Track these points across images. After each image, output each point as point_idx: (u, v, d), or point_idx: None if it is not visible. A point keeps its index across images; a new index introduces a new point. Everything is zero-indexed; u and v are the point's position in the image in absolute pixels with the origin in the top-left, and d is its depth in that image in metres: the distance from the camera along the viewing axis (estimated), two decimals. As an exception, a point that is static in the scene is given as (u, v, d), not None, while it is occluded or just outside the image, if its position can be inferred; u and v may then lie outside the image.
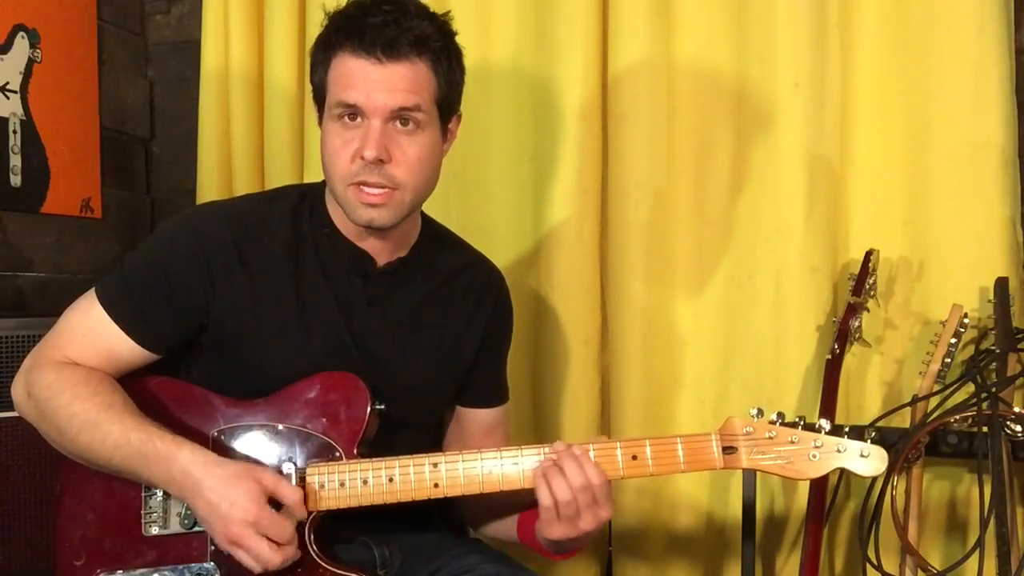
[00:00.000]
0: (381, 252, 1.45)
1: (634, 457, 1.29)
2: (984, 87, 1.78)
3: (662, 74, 1.93)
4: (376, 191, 1.33)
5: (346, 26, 1.33)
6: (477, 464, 1.31)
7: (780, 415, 1.29)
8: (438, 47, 1.35)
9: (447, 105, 1.39)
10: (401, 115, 1.32)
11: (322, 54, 1.37)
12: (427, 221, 1.54)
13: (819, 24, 1.84)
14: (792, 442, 1.27)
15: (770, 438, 1.28)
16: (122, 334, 1.37)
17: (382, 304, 1.45)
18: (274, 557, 1.23)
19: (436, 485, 1.31)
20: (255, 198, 1.62)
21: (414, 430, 1.48)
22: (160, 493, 1.34)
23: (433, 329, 1.48)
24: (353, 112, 1.33)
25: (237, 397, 1.38)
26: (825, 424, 1.28)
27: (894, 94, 1.85)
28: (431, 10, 1.37)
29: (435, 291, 1.49)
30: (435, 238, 1.54)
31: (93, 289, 1.41)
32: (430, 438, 1.55)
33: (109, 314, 1.37)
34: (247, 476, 1.25)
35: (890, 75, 1.85)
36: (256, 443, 1.36)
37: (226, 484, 1.24)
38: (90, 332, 1.38)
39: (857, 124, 1.88)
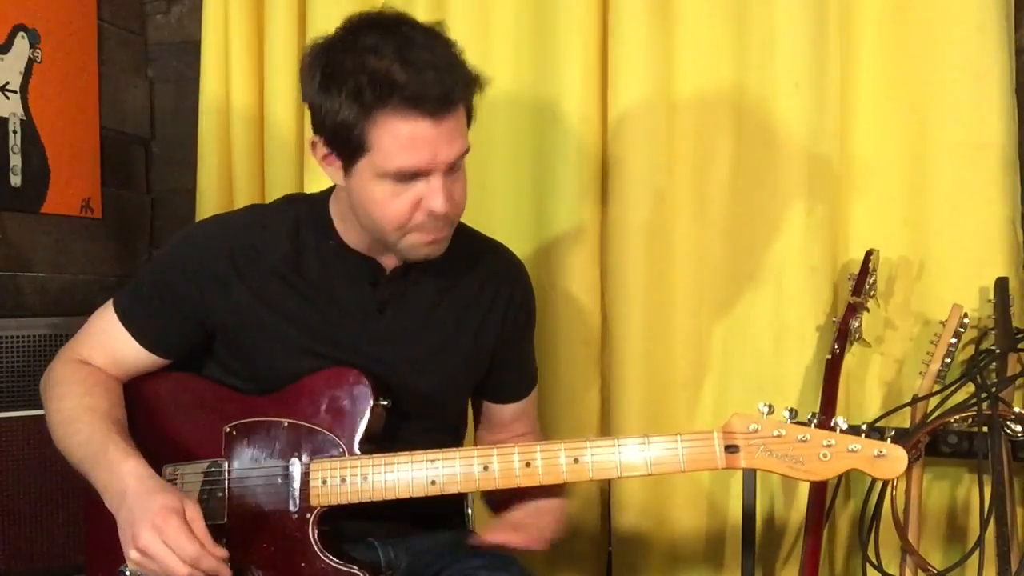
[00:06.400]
0: (389, 257, 1.44)
1: None
2: (984, 87, 1.78)
3: (662, 74, 1.93)
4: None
5: (394, 83, 1.22)
6: (473, 463, 1.30)
7: (792, 411, 1.22)
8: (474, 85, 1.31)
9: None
10: (455, 163, 1.31)
11: (357, 106, 1.24)
12: None
13: (819, 24, 1.84)
14: (802, 441, 1.19)
15: (778, 436, 1.20)
16: (130, 338, 1.45)
17: (394, 308, 1.45)
18: (179, 569, 1.21)
19: (433, 482, 1.30)
20: (257, 209, 1.63)
21: (432, 427, 1.48)
22: (184, 488, 1.38)
23: (448, 329, 1.48)
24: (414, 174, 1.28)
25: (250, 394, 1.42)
26: (842, 422, 1.19)
27: (894, 94, 1.85)
28: (454, 42, 1.31)
29: (449, 286, 1.48)
30: None
31: (110, 302, 1.49)
32: (451, 431, 1.55)
33: (120, 320, 1.46)
34: (168, 492, 1.26)
35: (890, 75, 1.85)
36: (265, 438, 1.37)
37: (147, 495, 1.25)
38: (103, 334, 1.47)
39: (857, 124, 1.88)
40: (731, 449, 1.22)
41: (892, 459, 1.18)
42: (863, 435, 1.20)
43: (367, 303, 1.43)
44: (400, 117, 1.23)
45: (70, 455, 1.37)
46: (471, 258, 1.51)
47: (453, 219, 1.36)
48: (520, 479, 1.29)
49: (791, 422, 1.22)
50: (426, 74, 1.22)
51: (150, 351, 1.45)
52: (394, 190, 1.29)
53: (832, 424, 1.20)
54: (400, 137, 1.24)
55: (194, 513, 1.25)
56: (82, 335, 1.49)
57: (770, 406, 1.23)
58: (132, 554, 1.24)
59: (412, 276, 1.45)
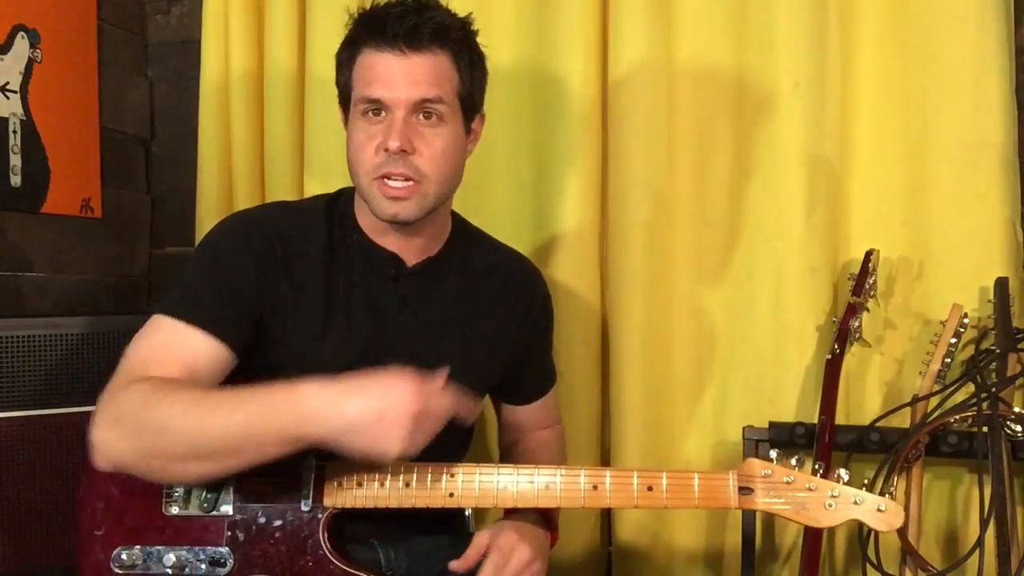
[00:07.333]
0: (410, 252, 1.45)
1: (649, 488, 1.30)
2: (984, 87, 1.78)
3: (662, 74, 1.93)
4: (399, 184, 1.34)
5: (368, 22, 1.36)
6: (493, 478, 1.32)
7: (800, 460, 1.30)
8: (459, 38, 1.37)
9: (470, 101, 1.41)
10: (424, 108, 1.34)
11: (346, 53, 1.40)
12: (459, 220, 1.55)
13: (819, 24, 1.84)
14: (809, 489, 1.28)
15: (788, 483, 1.28)
16: (202, 335, 1.30)
17: (415, 305, 1.45)
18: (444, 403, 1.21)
19: (451, 494, 1.32)
20: (287, 206, 1.56)
21: (446, 427, 1.48)
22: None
23: (468, 328, 1.48)
24: (377, 107, 1.34)
25: None
26: (844, 474, 1.28)
27: (894, 94, 1.85)
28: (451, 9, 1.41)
29: (469, 289, 1.49)
30: (467, 236, 1.55)
31: (152, 317, 1.33)
32: (457, 435, 1.53)
33: (183, 320, 1.30)
34: (379, 376, 1.18)
35: (890, 75, 1.85)
36: None
37: (369, 420, 1.16)
38: (168, 345, 1.29)
39: (857, 124, 1.88)
40: (744, 491, 1.29)
41: (891, 514, 1.28)
42: (864, 488, 1.28)
43: (389, 300, 1.44)
44: (371, 49, 1.35)
45: (222, 430, 1.17)
46: (492, 266, 1.54)
47: (419, 172, 1.34)
48: (540, 499, 1.32)
49: (799, 470, 1.29)
50: (396, 10, 1.34)
51: (226, 344, 1.30)
52: (365, 129, 1.35)
53: (836, 476, 1.29)
54: (366, 68, 1.35)
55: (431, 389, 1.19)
56: (131, 361, 1.28)
57: (780, 453, 1.31)
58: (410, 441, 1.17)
59: (433, 273, 1.46)
